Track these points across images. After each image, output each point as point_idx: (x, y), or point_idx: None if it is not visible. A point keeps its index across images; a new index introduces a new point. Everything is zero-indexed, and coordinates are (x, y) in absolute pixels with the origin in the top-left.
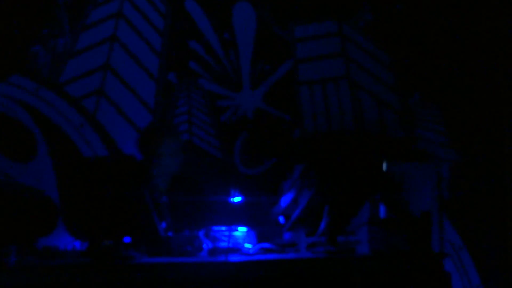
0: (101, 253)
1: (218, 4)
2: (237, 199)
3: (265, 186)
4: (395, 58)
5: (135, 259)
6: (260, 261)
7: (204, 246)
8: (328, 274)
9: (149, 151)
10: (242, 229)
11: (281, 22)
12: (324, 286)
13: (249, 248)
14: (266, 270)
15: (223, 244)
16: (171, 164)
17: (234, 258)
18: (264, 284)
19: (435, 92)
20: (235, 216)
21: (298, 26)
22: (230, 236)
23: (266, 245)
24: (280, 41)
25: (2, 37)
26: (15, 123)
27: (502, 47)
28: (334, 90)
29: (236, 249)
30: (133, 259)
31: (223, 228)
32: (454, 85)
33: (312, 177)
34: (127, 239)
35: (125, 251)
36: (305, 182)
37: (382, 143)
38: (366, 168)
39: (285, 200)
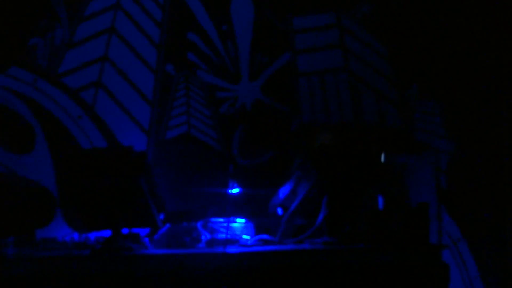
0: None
1: None
2: (235, 190)
3: (263, 177)
4: (393, 49)
5: (133, 251)
6: (258, 252)
7: (202, 237)
8: (326, 265)
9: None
10: (240, 221)
11: (280, 13)
12: (322, 277)
13: (247, 240)
14: (264, 261)
15: (221, 236)
16: None
17: (232, 249)
18: (262, 275)
19: (434, 83)
20: (233, 208)
21: (297, 17)
22: (228, 228)
23: (264, 236)
24: (278, 32)
25: (0, 28)
26: (13, 115)
27: (501, 38)
28: (332, 82)
29: (234, 240)
30: (131, 250)
31: (221, 219)
32: (453, 76)
33: (311, 168)
34: (125, 230)
35: (123, 242)
36: (303, 173)
37: (381, 134)
38: (365, 159)
39: (283, 191)
